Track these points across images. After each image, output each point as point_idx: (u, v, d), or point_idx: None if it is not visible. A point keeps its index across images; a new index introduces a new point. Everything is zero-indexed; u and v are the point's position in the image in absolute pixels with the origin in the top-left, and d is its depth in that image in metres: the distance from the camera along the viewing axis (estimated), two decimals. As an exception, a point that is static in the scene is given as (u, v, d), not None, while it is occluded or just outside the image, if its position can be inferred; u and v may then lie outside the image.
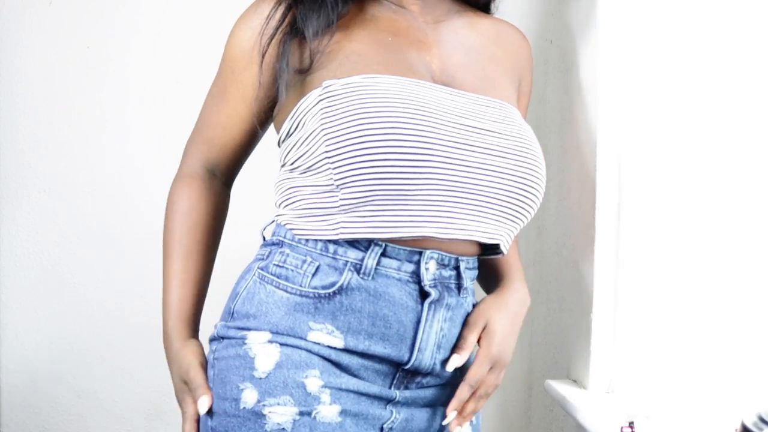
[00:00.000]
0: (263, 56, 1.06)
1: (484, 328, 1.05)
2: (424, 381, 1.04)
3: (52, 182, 1.91)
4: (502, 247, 1.06)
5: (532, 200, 1.05)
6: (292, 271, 1.02)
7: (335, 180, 0.98)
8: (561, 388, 1.34)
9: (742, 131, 1.24)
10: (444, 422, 1.05)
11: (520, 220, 1.06)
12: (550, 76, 1.50)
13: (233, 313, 1.05)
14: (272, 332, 1.00)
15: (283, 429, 0.96)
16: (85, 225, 1.92)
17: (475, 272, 1.08)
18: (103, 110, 1.91)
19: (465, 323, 1.06)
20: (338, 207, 0.99)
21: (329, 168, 0.98)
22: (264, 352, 0.99)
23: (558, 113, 1.45)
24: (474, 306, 1.09)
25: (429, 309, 1.01)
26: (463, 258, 1.04)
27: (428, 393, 1.06)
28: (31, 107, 1.90)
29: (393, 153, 0.95)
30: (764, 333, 1.25)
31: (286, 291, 1.01)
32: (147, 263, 1.94)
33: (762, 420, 0.88)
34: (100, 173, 1.92)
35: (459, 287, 1.04)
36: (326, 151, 0.98)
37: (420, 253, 1.00)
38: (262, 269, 1.05)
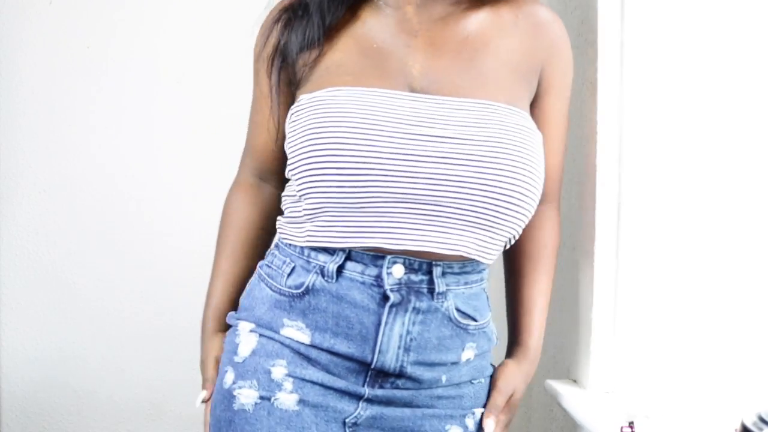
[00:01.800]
0: (269, 77, 1.14)
1: (510, 396, 1.12)
2: (399, 383, 1.05)
3: (52, 182, 1.91)
4: (477, 257, 1.04)
5: (507, 207, 1.01)
6: (276, 270, 1.10)
7: (297, 191, 1.05)
8: (561, 388, 1.34)
9: (743, 131, 1.24)
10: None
11: (498, 228, 1.03)
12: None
13: (238, 305, 1.16)
14: (256, 324, 1.09)
15: (246, 410, 1.05)
16: (85, 225, 1.92)
17: (461, 277, 1.06)
18: (103, 110, 1.91)
19: (494, 386, 1.12)
20: (304, 216, 1.06)
21: (294, 179, 1.05)
22: (246, 341, 1.09)
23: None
24: (500, 366, 1.14)
25: (389, 312, 1.03)
26: (438, 263, 1.03)
27: (405, 394, 1.06)
28: (31, 107, 1.90)
29: (337, 168, 0.98)
30: (764, 333, 1.25)
31: (270, 288, 1.10)
32: (147, 263, 1.94)
33: (762, 420, 0.88)
34: (99, 173, 1.92)
35: (432, 291, 1.04)
36: (290, 164, 1.05)
37: (383, 258, 1.02)
38: (260, 268, 1.14)
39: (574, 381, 1.36)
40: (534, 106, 1.12)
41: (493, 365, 1.17)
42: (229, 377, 1.08)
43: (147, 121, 1.92)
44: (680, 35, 1.23)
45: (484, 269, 1.11)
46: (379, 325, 1.03)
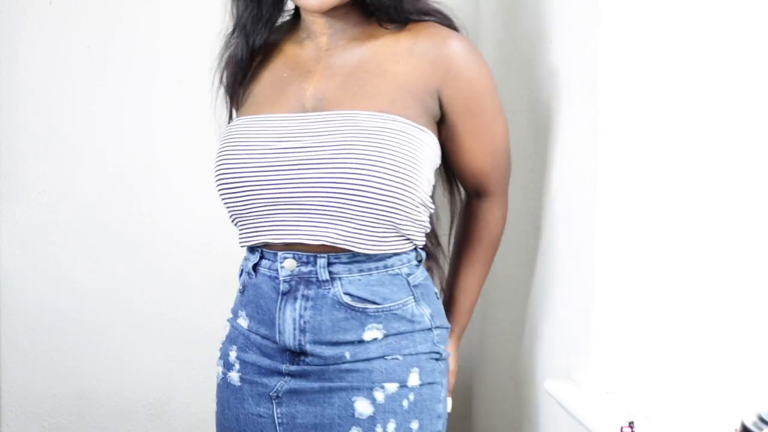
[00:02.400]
0: (227, 111, 1.41)
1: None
2: (308, 360, 1.24)
3: (52, 182, 1.92)
4: (347, 246, 1.21)
5: (357, 199, 1.18)
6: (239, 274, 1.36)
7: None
8: (561, 388, 1.34)
9: (743, 131, 1.24)
10: None
11: (357, 219, 1.19)
12: (550, 76, 1.50)
13: None
14: (233, 316, 1.36)
15: (219, 382, 1.37)
16: (85, 225, 1.93)
17: (352, 266, 1.23)
18: (103, 110, 1.92)
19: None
20: (234, 224, 1.32)
21: None
22: (226, 329, 1.38)
23: (558, 113, 1.45)
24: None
25: (281, 300, 1.25)
26: (323, 255, 1.22)
27: (315, 369, 1.24)
28: (31, 107, 1.90)
29: (228, 183, 1.25)
30: (764, 333, 1.25)
31: (238, 288, 1.35)
32: (147, 263, 1.94)
33: (762, 420, 0.88)
34: (100, 173, 1.92)
35: (318, 280, 1.22)
36: None
37: (277, 254, 1.24)
38: None
39: (574, 381, 1.36)
40: (443, 125, 1.28)
41: (438, 347, 1.29)
42: (218, 356, 1.39)
43: (147, 121, 1.93)
44: (681, 35, 1.23)
45: (388, 257, 1.25)
46: (276, 311, 1.25)
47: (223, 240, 1.88)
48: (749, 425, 0.88)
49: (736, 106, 1.24)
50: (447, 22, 1.29)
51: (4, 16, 1.88)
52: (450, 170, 1.36)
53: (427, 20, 1.27)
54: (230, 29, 1.35)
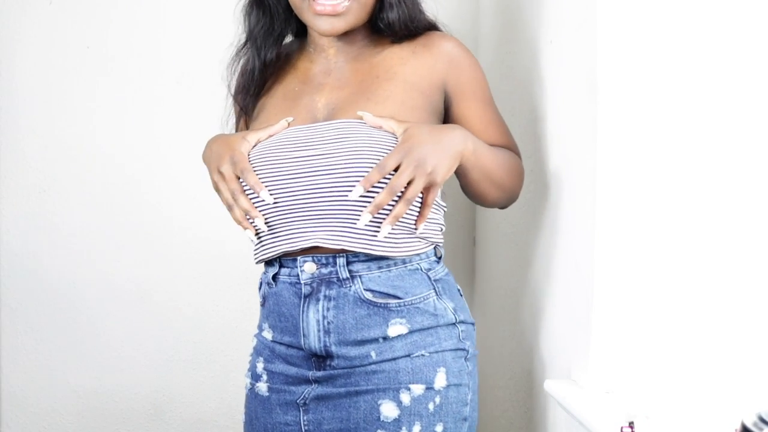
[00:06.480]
0: (236, 114, 1.43)
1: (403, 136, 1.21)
2: (334, 363, 1.25)
3: (52, 182, 1.92)
4: (364, 251, 1.23)
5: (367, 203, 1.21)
6: (259, 289, 1.37)
7: None
8: (561, 388, 1.34)
9: (743, 130, 1.24)
10: (359, 224, 1.22)
11: (371, 221, 1.22)
12: (550, 76, 1.50)
13: None
14: (258, 329, 1.38)
15: (247, 393, 1.37)
16: (85, 225, 1.93)
17: (371, 263, 1.24)
18: (102, 110, 1.92)
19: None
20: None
21: None
22: (253, 342, 1.39)
23: (558, 113, 1.45)
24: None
25: (304, 302, 1.26)
26: (341, 255, 1.24)
27: (341, 373, 1.25)
28: (31, 107, 1.91)
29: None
30: (764, 333, 1.25)
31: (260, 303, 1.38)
32: (147, 263, 1.94)
33: (762, 420, 0.88)
34: (100, 173, 1.92)
35: (339, 279, 1.24)
36: None
37: (297, 260, 1.26)
38: None
39: (574, 381, 1.36)
40: (451, 110, 1.34)
41: (464, 344, 1.29)
42: (246, 368, 1.40)
43: (146, 122, 1.93)
44: (680, 35, 1.24)
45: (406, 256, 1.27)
46: (300, 314, 1.26)
47: (223, 240, 1.89)
48: (749, 425, 0.88)
49: (735, 104, 1.24)
50: (439, 30, 1.38)
51: (4, 15, 1.88)
52: None
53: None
54: (242, 41, 1.38)
